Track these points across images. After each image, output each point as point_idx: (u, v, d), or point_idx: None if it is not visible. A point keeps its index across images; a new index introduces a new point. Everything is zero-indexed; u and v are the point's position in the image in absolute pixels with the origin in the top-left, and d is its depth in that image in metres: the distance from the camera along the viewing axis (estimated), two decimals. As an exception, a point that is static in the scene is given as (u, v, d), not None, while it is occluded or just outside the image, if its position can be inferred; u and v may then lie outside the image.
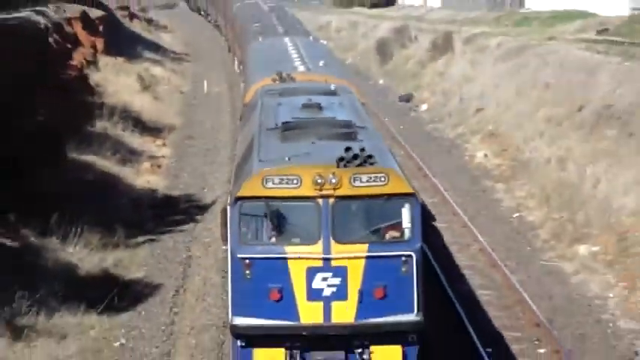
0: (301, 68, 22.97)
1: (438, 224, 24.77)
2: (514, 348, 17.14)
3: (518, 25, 53.89)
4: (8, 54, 27.57)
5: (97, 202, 23.98)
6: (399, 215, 13.76)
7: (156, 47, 58.67)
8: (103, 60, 42.21)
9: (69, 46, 38.00)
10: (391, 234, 13.81)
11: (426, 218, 15.73)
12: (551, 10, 57.33)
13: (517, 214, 25.66)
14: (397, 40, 57.14)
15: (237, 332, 13.82)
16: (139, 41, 57.79)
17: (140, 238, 22.98)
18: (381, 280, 13.64)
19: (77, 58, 37.71)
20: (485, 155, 32.14)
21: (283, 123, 15.86)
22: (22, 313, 16.47)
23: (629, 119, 26.00)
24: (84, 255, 20.69)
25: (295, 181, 13.60)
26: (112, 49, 44.67)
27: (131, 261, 21.42)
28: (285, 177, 13.62)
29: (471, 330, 17.47)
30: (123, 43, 50.21)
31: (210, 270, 21.17)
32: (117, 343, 17.24)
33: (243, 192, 13.70)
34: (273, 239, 13.73)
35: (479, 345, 16.84)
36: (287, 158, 14.02)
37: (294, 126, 15.67)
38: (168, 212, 25.66)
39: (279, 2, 63.75)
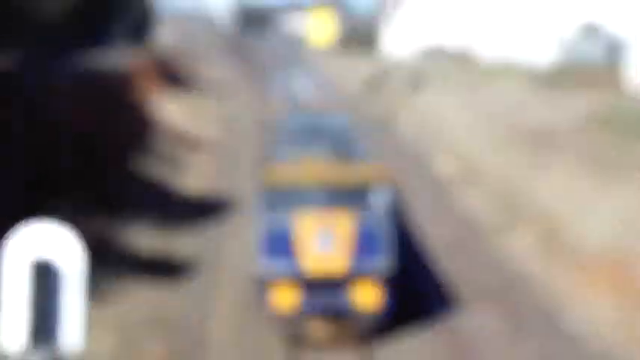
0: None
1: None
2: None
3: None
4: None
5: (137, 200, 23.49)
6: (376, 193, 15.88)
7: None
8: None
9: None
10: (370, 205, 15.79)
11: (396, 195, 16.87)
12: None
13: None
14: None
15: (263, 276, 15.73)
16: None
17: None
18: (362, 237, 15.41)
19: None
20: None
21: (291, 130, 18.21)
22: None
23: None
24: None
25: (302, 171, 16.08)
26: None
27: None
28: (293, 166, 16.23)
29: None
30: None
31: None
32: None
33: (267, 178, 16.23)
34: (285, 209, 15.65)
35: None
36: (294, 151, 16.79)
37: (300, 132, 17.91)
38: (202, 211, 24.57)
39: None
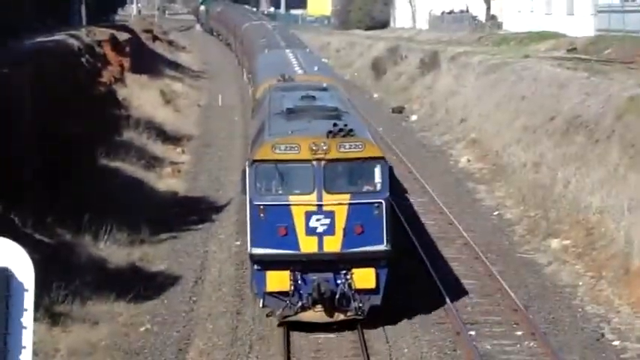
0: (300, 71, 25.61)
1: (427, 221, 24.80)
2: (495, 330, 17.18)
3: (497, 45, 53.85)
4: (45, 72, 27.64)
5: (125, 203, 24.01)
6: (373, 173, 16.73)
7: (176, 66, 58.66)
8: (130, 77, 42.21)
9: (99, 65, 38.01)
10: (367, 187, 16.77)
11: (393, 176, 17.84)
12: (526, 31, 57.32)
13: (497, 212, 25.67)
14: (390, 58, 57.13)
15: (255, 259, 16.67)
16: (161, 60, 57.80)
17: (163, 235, 22.98)
18: (359, 220, 16.52)
19: (106, 75, 37.71)
20: (469, 160, 32.14)
21: (287, 109, 18.41)
22: (59, 302, 16.50)
23: (595, 127, 25.99)
24: (113, 250, 20.72)
25: (296, 148, 16.49)
26: (137, 68, 44.65)
27: (155, 255, 21.44)
28: (288, 145, 16.55)
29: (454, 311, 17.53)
30: (147, 62, 50.19)
31: (225, 263, 21.19)
32: (142, 328, 17.26)
33: (258, 156, 16.65)
34: (280, 191, 16.60)
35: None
36: (290, 132, 16.95)
37: (295, 110, 18.28)
38: (188, 212, 25.69)
39: (282, 24, 65.23)
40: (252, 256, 16.74)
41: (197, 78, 57.65)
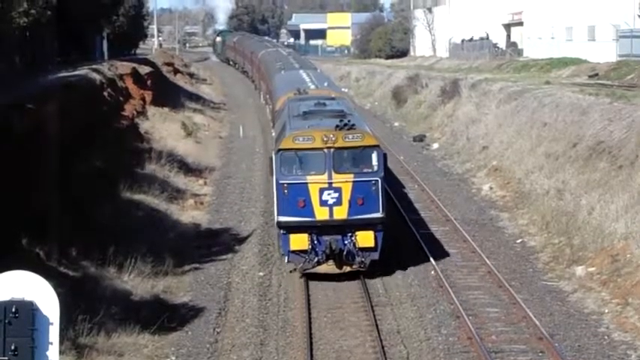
0: (312, 86, 31.21)
1: (450, 250, 24.83)
2: (520, 359, 17.13)
3: (517, 72, 53.99)
4: (69, 106, 28.06)
5: (148, 235, 24.22)
6: (371, 157, 21.46)
7: (197, 97, 59.23)
8: (151, 110, 42.71)
9: (121, 98, 38.52)
10: (366, 168, 21.46)
11: (386, 160, 22.18)
12: (547, 57, 57.42)
13: (520, 240, 25.64)
14: (410, 86, 57.39)
15: (281, 225, 21.46)
16: (182, 93, 58.39)
17: (186, 267, 23.13)
18: (361, 194, 21.19)
19: (128, 109, 38.20)
20: (491, 188, 32.16)
21: (303, 112, 23.34)
22: (84, 334, 16.66)
23: (618, 153, 25.98)
24: (137, 282, 20.88)
25: (311, 139, 21.25)
26: (158, 101, 45.19)
27: (178, 287, 21.58)
28: (305, 136, 21.34)
29: (479, 342, 17.50)
30: (168, 94, 50.76)
31: (248, 294, 21.30)
32: (167, 360, 17.39)
33: (282, 145, 21.48)
34: (299, 172, 21.36)
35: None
36: (307, 127, 21.89)
37: (310, 112, 23.21)
38: (211, 243, 25.85)
39: (303, 54, 66.57)
40: (279, 223, 21.48)
41: (218, 110, 58.14)
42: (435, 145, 42.99)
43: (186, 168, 35.32)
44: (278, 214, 21.38)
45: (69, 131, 26.92)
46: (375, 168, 21.35)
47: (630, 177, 24.09)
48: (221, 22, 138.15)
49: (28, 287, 7.30)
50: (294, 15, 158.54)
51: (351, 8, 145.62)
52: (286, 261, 21.94)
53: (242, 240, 26.11)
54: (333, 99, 26.12)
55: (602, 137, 27.80)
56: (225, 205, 30.83)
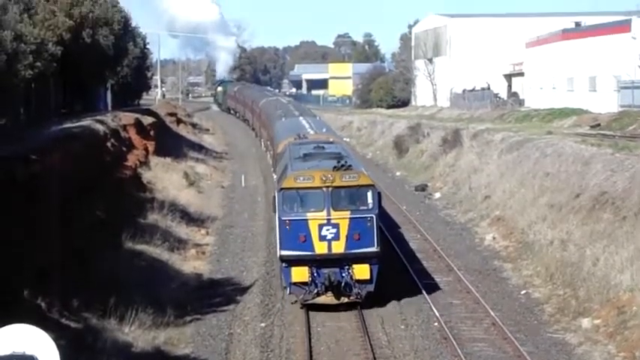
0: (311, 132, 32.50)
1: (453, 301, 24.62)
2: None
3: (519, 122, 54.20)
4: (72, 157, 28.10)
5: (150, 285, 24.06)
6: (366, 196, 22.95)
7: (199, 147, 59.41)
8: (154, 160, 42.78)
9: (124, 149, 38.60)
10: (362, 206, 22.93)
11: (381, 198, 23.84)
12: (548, 108, 57.69)
13: (524, 291, 25.44)
14: (412, 136, 57.58)
15: (283, 259, 22.93)
16: (185, 142, 58.58)
17: (187, 318, 22.93)
18: (357, 229, 22.66)
19: (131, 159, 38.25)
20: (494, 238, 32.04)
21: (304, 154, 24.97)
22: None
23: (622, 204, 25.92)
24: (138, 334, 20.67)
25: (310, 179, 22.78)
26: (161, 151, 45.30)
27: (180, 338, 21.36)
28: (305, 176, 22.90)
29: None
30: (171, 145, 50.90)
31: (250, 345, 21.08)
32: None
33: (284, 185, 23.01)
34: (300, 209, 22.80)
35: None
36: (307, 167, 23.48)
37: (310, 155, 24.83)
38: (212, 294, 25.67)
39: (305, 104, 67.33)
40: (281, 257, 22.99)
41: (220, 159, 58.26)
42: (437, 195, 42.95)
43: (188, 218, 35.24)
44: (280, 249, 22.95)
45: (72, 182, 26.92)
46: (371, 206, 22.95)
47: (634, 228, 23.98)
48: (223, 72, 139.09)
49: (30, 341, 7.38)
50: (296, 65, 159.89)
51: (352, 59, 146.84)
52: (288, 293, 23.57)
53: (244, 290, 25.94)
54: (331, 143, 27.90)
55: (606, 188, 27.75)
56: (226, 254, 30.69)
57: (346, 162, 23.33)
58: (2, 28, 31.96)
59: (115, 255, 25.48)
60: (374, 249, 22.75)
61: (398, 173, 52.26)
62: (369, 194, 22.91)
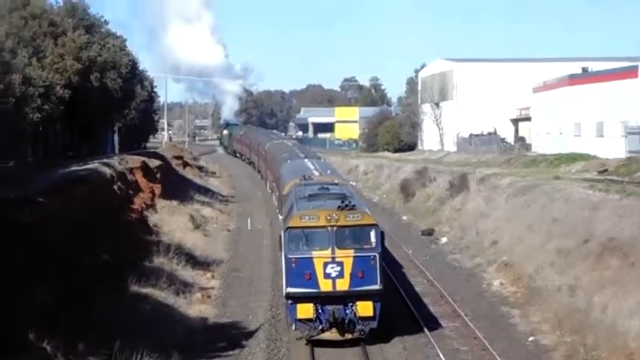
0: (317, 173, 33.55)
1: (460, 347, 24.52)
2: None
3: (526, 167, 54.28)
4: (78, 200, 28.25)
5: (155, 329, 24.01)
6: (370, 235, 23.72)
7: (205, 190, 59.57)
8: (160, 203, 42.92)
9: (131, 192, 38.77)
10: (365, 245, 23.64)
11: (384, 237, 24.74)
12: (555, 153, 57.80)
13: (532, 338, 25.33)
14: (418, 180, 57.66)
15: (289, 296, 23.66)
16: (191, 186, 58.77)
17: (193, 363, 22.87)
18: (361, 267, 23.34)
19: (138, 202, 38.41)
20: (501, 283, 31.96)
21: (309, 194, 25.93)
22: None
23: (630, 250, 25.89)
24: (143, 378, 20.60)
25: (316, 218, 23.57)
26: (167, 194, 45.46)
27: (185, 384, 21.28)
28: (310, 216, 23.67)
29: None
30: (177, 187, 51.09)
31: (256, 391, 20.97)
32: None
33: (290, 224, 23.73)
34: (305, 248, 23.55)
35: None
36: (312, 207, 24.30)
37: (315, 195, 25.78)
38: (218, 338, 25.60)
39: (306, 145, 67.85)
40: (287, 294, 23.72)
41: (226, 202, 58.37)
42: (444, 239, 42.92)
43: (194, 261, 35.24)
44: (286, 286, 23.66)
45: (78, 225, 27.03)
46: (374, 244, 23.68)
47: (643, 274, 23.93)
48: (229, 115, 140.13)
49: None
50: (302, 109, 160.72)
51: (359, 102, 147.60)
52: (293, 329, 24.30)
53: (249, 334, 25.87)
54: (335, 184, 29.05)
55: (614, 234, 27.73)
56: (232, 298, 30.64)
57: (350, 202, 24.17)
58: (11, 72, 32.41)
59: (121, 298, 25.49)
60: (377, 287, 23.44)
61: (404, 217, 52.26)
62: (372, 233, 23.68)
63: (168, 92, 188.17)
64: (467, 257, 37.90)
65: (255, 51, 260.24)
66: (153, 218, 39.06)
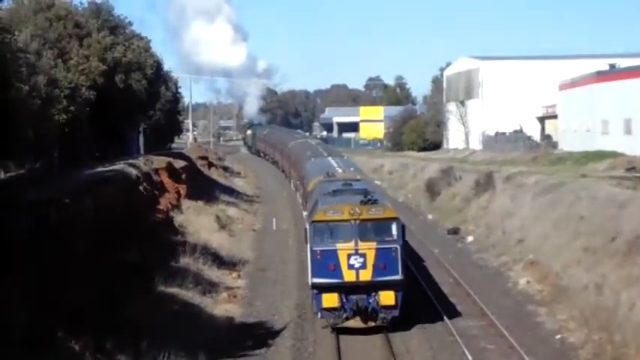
0: (340, 170, 35.33)
1: (487, 345, 24.55)
2: None
3: (553, 165, 54.07)
4: (105, 201, 28.57)
5: (182, 329, 24.27)
6: (391, 228, 25.00)
7: (230, 191, 59.89)
8: (186, 204, 43.24)
9: (156, 192, 39.11)
10: (387, 237, 24.89)
11: (405, 230, 25.89)
12: (582, 150, 57.53)
13: (559, 336, 25.31)
14: (444, 179, 57.61)
15: (314, 286, 25.03)
16: (216, 186, 59.10)
17: (219, 362, 23.07)
18: (382, 259, 24.59)
19: (163, 202, 38.72)
20: (528, 282, 31.92)
21: (333, 190, 27.26)
22: None
23: (658, 247, 25.78)
24: (170, 377, 20.83)
25: (340, 212, 24.91)
26: (193, 194, 45.78)
27: (212, 382, 21.47)
28: (334, 210, 25.05)
29: None
30: (202, 188, 51.42)
31: (282, 390, 21.13)
32: None
33: (315, 218, 25.13)
34: (330, 240, 24.87)
35: None
36: (336, 202, 25.62)
37: (338, 191, 27.11)
38: (244, 337, 25.81)
39: (331, 144, 68.48)
40: (312, 284, 25.02)
41: (251, 202, 58.65)
42: (470, 238, 42.89)
43: (220, 261, 35.50)
44: (312, 277, 24.96)
45: (104, 225, 27.35)
46: (395, 237, 24.91)
47: (671, 271, 23.82)
48: (253, 116, 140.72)
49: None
50: (327, 108, 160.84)
51: (384, 101, 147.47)
52: (319, 317, 25.60)
53: (275, 334, 26.06)
54: (358, 180, 30.51)
55: (641, 231, 27.60)
56: (258, 298, 30.85)
57: (372, 197, 25.50)
58: (36, 73, 32.83)
59: (147, 298, 25.77)
60: (398, 277, 24.74)
61: (430, 216, 52.25)
62: (394, 226, 24.95)
63: (193, 93, 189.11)
64: (493, 256, 37.86)
65: (280, 51, 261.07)
66: (178, 218, 39.38)
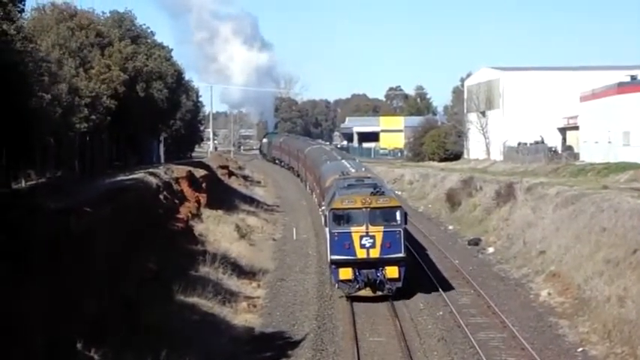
0: (353, 170, 41.30)
1: (508, 358, 24.32)
2: None
3: (574, 176, 53.65)
4: (125, 210, 28.60)
5: (201, 338, 24.20)
6: (396, 214, 30.54)
7: (250, 200, 59.86)
8: (206, 212, 43.24)
9: (177, 201, 39.14)
10: (392, 222, 30.42)
11: (407, 217, 31.79)
12: (603, 162, 57.08)
13: (581, 349, 25.02)
14: (464, 189, 57.30)
15: (333, 262, 30.63)
16: (236, 195, 59.11)
17: (238, 372, 22.95)
18: (388, 240, 30.15)
19: (184, 211, 38.75)
20: (549, 294, 31.61)
21: (347, 184, 33.48)
22: None
23: (682, 260, 25.42)
24: (189, 387, 20.74)
25: (353, 201, 30.48)
26: (213, 203, 45.78)
27: (230, 393, 21.36)
28: (349, 199, 30.64)
29: None
30: (222, 197, 51.43)
31: (301, 401, 21.00)
32: None
33: (333, 206, 30.71)
34: (345, 224, 30.39)
35: None
36: (350, 193, 31.26)
37: (352, 185, 33.14)
38: (263, 348, 25.70)
39: (351, 154, 69.29)
40: (331, 261, 30.69)
41: (271, 212, 58.59)
42: (491, 249, 42.59)
43: (240, 270, 35.44)
44: (330, 254, 30.60)
45: (124, 234, 27.37)
46: (399, 222, 30.47)
47: (695, 284, 23.48)
48: (270, 125, 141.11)
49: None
50: (347, 118, 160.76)
51: (404, 111, 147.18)
52: (336, 287, 31.19)
53: (295, 344, 25.93)
54: (368, 177, 36.80)
55: (664, 243, 27.26)
56: (278, 308, 30.76)
57: (380, 189, 31.58)
58: (58, 82, 32.99)
59: (167, 307, 25.73)
60: (401, 254, 30.39)
61: (450, 227, 51.98)
62: (398, 213, 30.61)
63: (214, 102, 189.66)
64: (514, 267, 37.56)
65: (301, 60, 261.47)
66: (198, 227, 39.37)
